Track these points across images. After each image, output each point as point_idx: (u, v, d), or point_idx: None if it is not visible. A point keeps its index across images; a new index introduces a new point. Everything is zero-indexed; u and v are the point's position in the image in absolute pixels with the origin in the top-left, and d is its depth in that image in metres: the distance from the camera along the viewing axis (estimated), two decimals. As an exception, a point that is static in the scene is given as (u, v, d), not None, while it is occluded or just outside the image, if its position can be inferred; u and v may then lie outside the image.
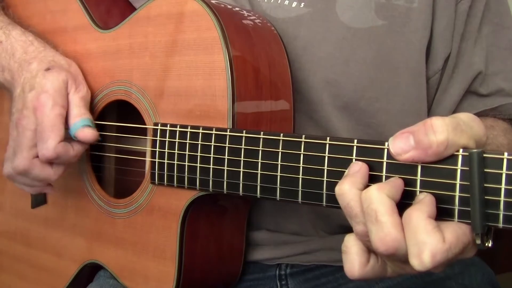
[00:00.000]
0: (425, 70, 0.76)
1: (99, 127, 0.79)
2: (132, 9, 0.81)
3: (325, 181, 0.54)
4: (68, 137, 0.73)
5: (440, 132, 0.45)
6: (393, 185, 0.48)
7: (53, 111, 0.70)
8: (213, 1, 0.69)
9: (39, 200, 0.85)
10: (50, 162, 0.73)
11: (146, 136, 0.73)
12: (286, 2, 0.74)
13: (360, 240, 0.49)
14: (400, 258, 0.47)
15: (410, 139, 0.47)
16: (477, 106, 0.79)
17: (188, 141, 0.65)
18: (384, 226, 0.45)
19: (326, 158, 0.54)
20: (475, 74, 0.78)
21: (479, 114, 0.78)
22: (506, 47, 0.79)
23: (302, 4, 0.73)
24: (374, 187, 0.47)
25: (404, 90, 0.75)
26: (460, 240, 0.46)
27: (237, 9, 0.72)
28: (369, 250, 0.49)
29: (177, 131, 0.66)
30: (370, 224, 0.46)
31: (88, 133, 0.72)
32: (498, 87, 0.78)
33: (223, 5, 0.69)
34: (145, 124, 0.72)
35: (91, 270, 0.83)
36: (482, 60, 0.78)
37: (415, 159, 0.47)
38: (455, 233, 0.46)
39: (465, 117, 0.47)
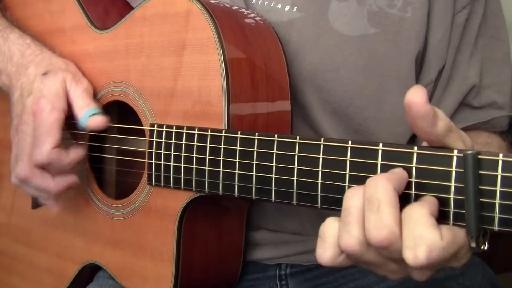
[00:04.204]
0: (415, 80, 0.75)
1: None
2: (131, 9, 0.81)
3: (319, 183, 0.54)
4: (65, 140, 0.73)
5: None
6: (399, 177, 0.47)
7: (51, 116, 0.70)
8: (211, 1, 0.68)
9: (39, 201, 0.85)
10: (47, 170, 0.72)
11: (144, 137, 0.73)
12: (279, 6, 0.73)
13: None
14: (391, 254, 0.46)
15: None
16: (470, 118, 0.78)
17: (184, 142, 0.65)
18: (384, 217, 0.44)
19: (321, 159, 0.53)
20: (470, 87, 0.77)
21: (472, 127, 0.77)
22: (501, 60, 0.78)
23: (295, 9, 0.73)
24: (382, 176, 0.46)
25: (394, 99, 0.74)
26: (456, 241, 0.45)
27: (235, 8, 0.71)
28: None
29: (173, 132, 0.66)
30: (369, 212, 0.45)
31: (97, 120, 0.72)
32: (491, 99, 0.78)
33: (221, 5, 0.69)
34: (143, 125, 0.71)
35: (91, 271, 0.83)
36: (477, 73, 0.77)
37: (432, 119, 0.45)
38: (452, 233, 0.45)
39: None
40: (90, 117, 0.72)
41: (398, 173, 0.47)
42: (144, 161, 0.71)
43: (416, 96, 0.44)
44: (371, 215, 0.45)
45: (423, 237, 0.43)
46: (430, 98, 0.78)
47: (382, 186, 0.45)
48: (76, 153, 0.73)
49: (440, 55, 0.75)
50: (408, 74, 0.74)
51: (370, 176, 0.49)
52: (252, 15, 0.71)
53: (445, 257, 0.44)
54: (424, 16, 0.73)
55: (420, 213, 0.44)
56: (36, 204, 0.86)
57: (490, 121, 0.78)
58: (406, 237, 0.44)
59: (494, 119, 0.78)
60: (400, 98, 0.73)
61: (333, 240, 0.48)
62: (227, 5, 0.70)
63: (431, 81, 0.76)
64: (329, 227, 0.49)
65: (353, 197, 0.47)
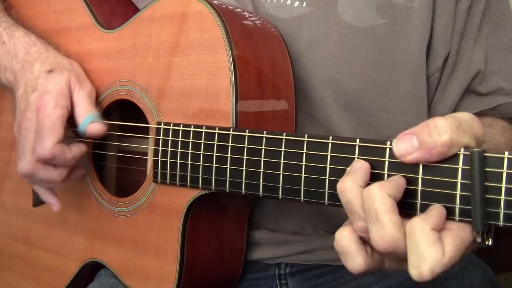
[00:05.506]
0: (425, 69, 0.76)
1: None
2: (136, 10, 0.82)
3: (327, 180, 0.55)
4: (67, 138, 0.73)
5: (444, 132, 0.46)
6: (395, 184, 0.48)
7: (54, 112, 0.71)
8: (215, 2, 0.69)
9: (40, 199, 0.85)
10: (49, 163, 0.73)
11: (148, 135, 0.73)
12: (289, 2, 0.74)
13: (356, 234, 0.50)
14: (399, 256, 0.47)
15: (413, 140, 0.47)
16: (476, 105, 0.79)
17: (191, 140, 0.66)
18: (384, 225, 0.46)
19: (329, 157, 0.55)
20: (474, 73, 0.78)
21: (478, 114, 0.78)
22: (506, 47, 0.80)
23: (304, 4, 0.74)
24: (375, 186, 0.47)
25: (405, 88, 0.75)
26: (459, 250, 0.46)
27: (238, 10, 0.73)
28: (364, 241, 0.50)
29: (180, 130, 0.67)
30: (370, 223, 0.47)
31: (96, 127, 0.73)
32: (498, 86, 0.79)
33: (224, 6, 0.70)
34: (148, 124, 0.72)
35: (91, 270, 0.83)
36: (482, 59, 0.78)
37: (419, 160, 0.48)
38: (455, 244, 0.46)
39: (466, 117, 0.48)
40: (89, 124, 0.73)
41: (393, 180, 0.49)
42: (149, 159, 0.72)
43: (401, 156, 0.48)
44: (372, 225, 0.47)
45: (425, 257, 0.44)
46: (437, 86, 0.79)
47: (377, 195, 0.47)
48: (78, 149, 0.74)
49: (445, 43, 0.76)
50: (417, 63, 0.75)
51: (378, 173, 0.51)
52: (253, 18, 0.72)
53: (449, 268, 0.46)
54: (430, 5, 0.75)
55: (422, 229, 0.45)
56: (37, 202, 0.86)
57: (497, 107, 0.80)
58: (410, 254, 0.45)
59: (501, 106, 0.79)
60: (410, 88, 0.76)
61: (353, 245, 0.49)
62: (230, 7, 0.71)
63: (437, 68, 0.78)
64: (343, 238, 0.50)
65: (346, 191, 0.49)
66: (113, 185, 0.87)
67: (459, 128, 0.46)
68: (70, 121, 0.74)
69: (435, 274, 0.44)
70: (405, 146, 0.48)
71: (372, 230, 0.47)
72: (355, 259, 0.49)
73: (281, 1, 0.75)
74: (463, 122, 0.47)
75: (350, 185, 0.49)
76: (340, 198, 0.50)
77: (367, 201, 0.47)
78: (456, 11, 0.76)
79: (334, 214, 0.77)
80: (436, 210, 0.47)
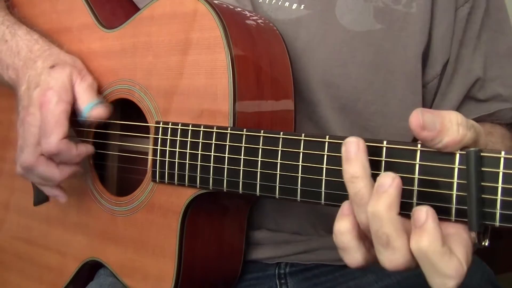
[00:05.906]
0: (421, 75, 0.76)
1: (101, 126, 0.79)
2: (137, 9, 0.82)
3: (324, 180, 0.55)
4: (73, 136, 0.74)
5: (463, 127, 0.45)
6: (398, 194, 0.46)
7: (58, 107, 0.71)
8: (215, 1, 0.69)
9: (41, 197, 0.86)
10: (55, 160, 0.73)
11: (148, 134, 0.73)
12: (287, 4, 0.75)
13: (357, 229, 0.49)
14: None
15: (436, 122, 0.45)
16: (475, 111, 0.79)
17: (189, 139, 0.66)
18: (396, 252, 0.46)
19: (325, 156, 0.54)
20: (474, 80, 0.78)
21: (476, 120, 0.78)
22: (505, 53, 0.80)
23: (302, 6, 0.74)
24: (383, 206, 0.45)
25: (400, 93, 0.75)
26: (470, 254, 0.46)
27: (239, 9, 0.73)
28: (363, 235, 0.49)
29: (179, 129, 0.67)
30: (378, 245, 0.46)
31: (100, 110, 0.73)
32: (496, 92, 0.79)
33: (225, 5, 0.70)
34: (147, 123, 0.72)
35: (91, 269, 0.83)
36: (481, 66, 0.78)
37: (430, 139, 0.46)
38: (465, 251, 0.46)
39: (471, 120, 0.48)
40: (93, 107, 0.73)
41: (396, 188, 0.46)
42: (148, 159, 0.72)
43: (412, 123, 0.45)
44: (381, 248, 0.46)
45: (449, 275, 0.44)
46: (436, 92, 0.79)
47: (386, 220, 0.46)
48: (85, 147, 0.74)
49: (444, 49, 0.76)
50: (413, 69, 0.75)
51: (374, 173, 0.50)
52: (255, 17, 0.72)
53: (467, 273, 0.45)
54: (428, 11, 0.75)
55: (434, 251, 0.44)
56: (38, 201, 0.86)
57: (495, 113, 0.80)
58: (431, 276, 0.45)
59: (499, 112, 0.80)
60: (405, 93, 0.76)
61: (353, 242, 0.49)
62: (231, 6, 0.71)
63: (436, 75, 0.78)
64: (343, 234, 0.49)
65: (354, 181, 0.48)
66: (115, 185, 0.87)
67: (470, 128, 0.46)
68: (72, 120, 0.74)
69: (458, 284, 0.44)
70: (430, 120, 0.45)
71: (380, 252, 0.46)
72: (354, 255, 0.49)
73: (279, 3, 0.75)
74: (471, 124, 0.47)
75: (363, 173, 0.48)
76: (349, 188, 0.48)
77: (375, 222, 0.46)
78: (455, 18, 0.76)
79: (334, 214, 0.76)
80: (429, 223, 0.44)
